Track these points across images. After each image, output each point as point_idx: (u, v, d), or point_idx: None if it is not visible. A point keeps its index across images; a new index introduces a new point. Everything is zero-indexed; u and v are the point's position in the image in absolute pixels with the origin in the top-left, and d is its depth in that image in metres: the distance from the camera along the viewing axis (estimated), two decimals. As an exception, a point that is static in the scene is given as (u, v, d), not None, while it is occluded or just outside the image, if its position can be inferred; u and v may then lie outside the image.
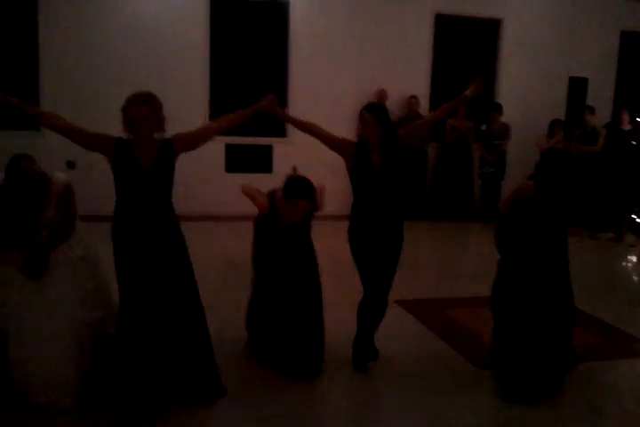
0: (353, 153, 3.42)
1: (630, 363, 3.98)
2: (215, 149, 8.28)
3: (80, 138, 2.94)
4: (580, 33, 9.67)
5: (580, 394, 3.42)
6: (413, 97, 8.86)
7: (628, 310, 5.11)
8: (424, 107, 8.91)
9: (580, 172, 7.91)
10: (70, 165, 7.61)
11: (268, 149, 8.76)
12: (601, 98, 9.81)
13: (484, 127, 9.10)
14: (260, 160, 8.67)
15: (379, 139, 3.39)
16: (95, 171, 6.20)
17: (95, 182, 5.73)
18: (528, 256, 3.35)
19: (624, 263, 7.25)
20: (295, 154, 8.17)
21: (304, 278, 3.53)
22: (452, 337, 4.22)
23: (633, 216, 8.28)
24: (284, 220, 3.48)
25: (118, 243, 2.99)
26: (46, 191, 3.02)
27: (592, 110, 8.45)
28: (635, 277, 6.57)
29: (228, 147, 8.50)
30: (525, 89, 9.59)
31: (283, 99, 8.56)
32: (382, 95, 8.61)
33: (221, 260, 6.50)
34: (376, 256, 3.49)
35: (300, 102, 8.43)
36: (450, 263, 6.78)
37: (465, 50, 9.48)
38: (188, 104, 7.86)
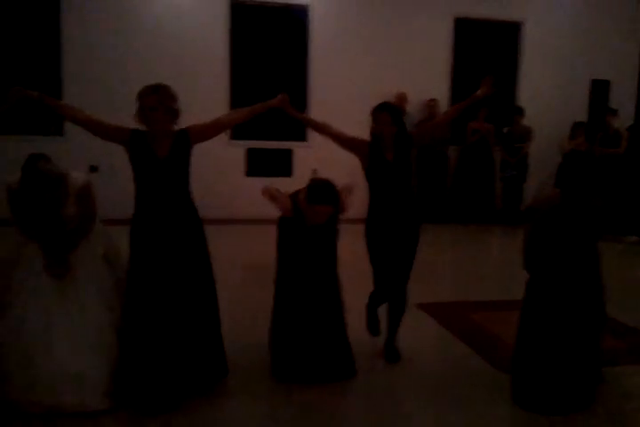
0: (367, 151, 3.52)
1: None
2: (236, 153, 8.31)
3: (98, 129, 3.07)
4: (602, 35, 9.60)
5: (602, 400, 3.36)
6: (432, 100, 8.85)
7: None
8: (444, 110, 8.88)
9: (603, 174, 7.83)
10: (93, 169, 7.72)
11: (288, 153, 8.81)
12: (623, 100, 9.73)
13: (505, 130, 9.06)
14: (280, 164, 8.73)
15: (393, 137, 3.49)
16: (118, 175, 6.27)
17: (117, 186, 5.78)
18: (560, 272, 3.16)
19: (649, 267, 7.14)
20: (315, 158, 8.21)
21: (326, 279, 3.52)
22: (475, 340, 4.18)
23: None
24: (309, 221, 3.48)
25: (136, 231, 3.06)
26: (63, 190, 3.04)
27: (614, 113, 8.37)
28: (660, 281, 6.46)
29: (250, 151, 8.55)
30: (547, 92, 9.53)
31: (302, 101, 8.62)
32: (402, 98, 8.63)
33: (243, 262, 6.51)
34: (390, 250, 3.55)
35: (320, 104, 8.47)
36: (471, 266, 6.73)
37: (485, 53, 9.46)
38: (209, 107, 7.87)
